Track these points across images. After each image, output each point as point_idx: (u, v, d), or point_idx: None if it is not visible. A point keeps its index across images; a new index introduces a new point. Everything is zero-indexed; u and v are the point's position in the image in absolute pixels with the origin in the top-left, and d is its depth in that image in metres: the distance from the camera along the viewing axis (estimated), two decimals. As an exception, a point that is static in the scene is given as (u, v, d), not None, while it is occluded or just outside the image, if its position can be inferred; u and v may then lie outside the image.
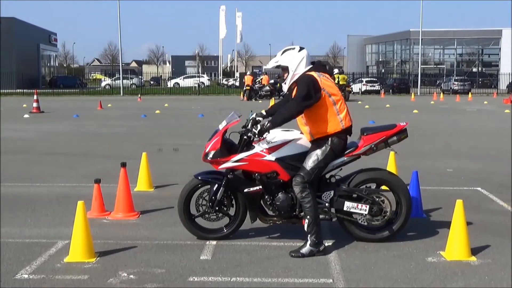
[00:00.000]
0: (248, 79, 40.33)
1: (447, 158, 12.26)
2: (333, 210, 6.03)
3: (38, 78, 69.34)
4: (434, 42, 77.52)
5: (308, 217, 5.75)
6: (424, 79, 62.43)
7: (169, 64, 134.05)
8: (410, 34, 74.82)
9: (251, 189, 5.99)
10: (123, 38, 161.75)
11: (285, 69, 5.91)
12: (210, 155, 5.97)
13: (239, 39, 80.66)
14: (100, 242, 6.02)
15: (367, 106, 31.50)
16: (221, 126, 6.08)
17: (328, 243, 5.99)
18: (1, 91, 50.68)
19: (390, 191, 6.12)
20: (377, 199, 6.00)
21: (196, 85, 58.45)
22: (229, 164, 5.94)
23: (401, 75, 77.22)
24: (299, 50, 5.92)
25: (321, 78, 5.77)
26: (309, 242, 5.70)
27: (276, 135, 5.97)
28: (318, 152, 5.82)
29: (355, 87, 51.58)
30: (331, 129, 5.80)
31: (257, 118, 5.96)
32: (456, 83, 55.43)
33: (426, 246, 5.98)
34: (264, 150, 5.91)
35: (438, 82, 64.72)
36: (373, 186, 6.20)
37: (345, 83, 37.75)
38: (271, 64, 6.15)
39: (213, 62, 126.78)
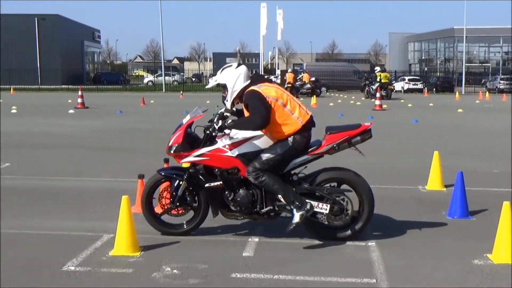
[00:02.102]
0: (289, 77, 40.24)
1: (493, 159, 12.01)
2: None
3: (82, 74, 70.71)
4: (479, 40, 76.01)
5: (279, 194, 5.83)
6: (468, 78, 61.35)
7: (210, 61, 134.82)
8: (454, 31, 73.45)
9: (212, 184, 6.03)
10: (165, 35, 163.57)
11: (225, 86, 6.02)
12: (173, 149, 6.05)
13: (280, 36, 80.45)
14: (143, 237, 6.08)
15: (410, 105, 31.13)
16: (184, 120, 6.16)
17: (371, 242, 5.95)
18: (47, 87, 51.71)
19: (353, 191, 6.07)
20: (338, 199, 5.97)
21: (237, 82, 58.45)
22: (190, 159, 6.01)
23: (444, 73, 76.07)
24: (237, 67, 6.05)
25: (262, 89, 5.84)
26: (294, 210, 5.80)
27: (239, 131, 5.98)
28: (279, 146, 5.86)
29: (397, 86, 51.02)
30: (291, 130, 5.84)
31: (225, 114, 6.00)
32: (502, 82, 54.17)
33: (472, 248, 5.86)
34: (226, 146, 5.96)
35: (483, 81, 63.46)
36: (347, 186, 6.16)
37: (387, 81, 37.33)
38: (211, 83, 6.29)
39: (254, 59, 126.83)
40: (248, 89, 5.90)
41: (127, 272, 5.13)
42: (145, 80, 73.42)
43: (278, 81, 62.83)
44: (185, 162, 6.05)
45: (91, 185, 8.99)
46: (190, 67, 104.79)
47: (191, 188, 6.16)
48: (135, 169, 9.95)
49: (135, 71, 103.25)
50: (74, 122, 20.40)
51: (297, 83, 41.13)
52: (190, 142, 6.06)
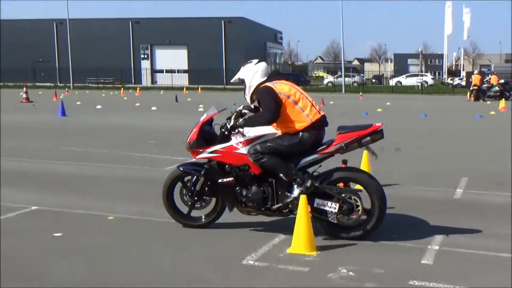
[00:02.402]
0: (475, 79, 38.27)
1: None
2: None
3: (265, 75, 73.01)
4: None
5: (280, 173, 6.00)
6: None
7: (391, 62, 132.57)
8: None
9: (224, 180, 6.20)
10: (345, 36, 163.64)
11: (243, 81, 6.29)
12: (190, 145, 6.23)
13: (466, 36, 76.83)
14: (320, 237, 6.12)
15: None
16: (201, 118, 6.41)
17: None
18: (231, 87, 54.15)
19: (364, 191, 5.95)
20: (347, 199, 5.95)
21: (419, 84, 57.05)
22: (204, 155, 6.25)
23: None
24: (256, 63, 6.32)
25: (275, 85, 6.04)
26: (295, 186, 5.96)
27: (251, 128, 6.06)
28: (286, 137, 6.01)
29: None
30: (300, 126, 5.98)
31: (243, 111, 6.13)
32: None
33: None
34: (239, 144, 6.11)
35: None
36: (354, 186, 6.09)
37: None
38: (234, 78, 6.54)
39: (437, 60, 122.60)
40: (261, 85, 6.06)
41: (303, 271, 5.20)
42: (325, 81, 74.11)
43: (463, 83, 60.10)
44: (200, 158, 6.30)
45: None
46: (370, 68, 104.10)
47: (209, 183, 6.38)
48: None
49: (315, 72, 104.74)
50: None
51: (484, 85, 38.99)
52: (207, 139, 6.30)
